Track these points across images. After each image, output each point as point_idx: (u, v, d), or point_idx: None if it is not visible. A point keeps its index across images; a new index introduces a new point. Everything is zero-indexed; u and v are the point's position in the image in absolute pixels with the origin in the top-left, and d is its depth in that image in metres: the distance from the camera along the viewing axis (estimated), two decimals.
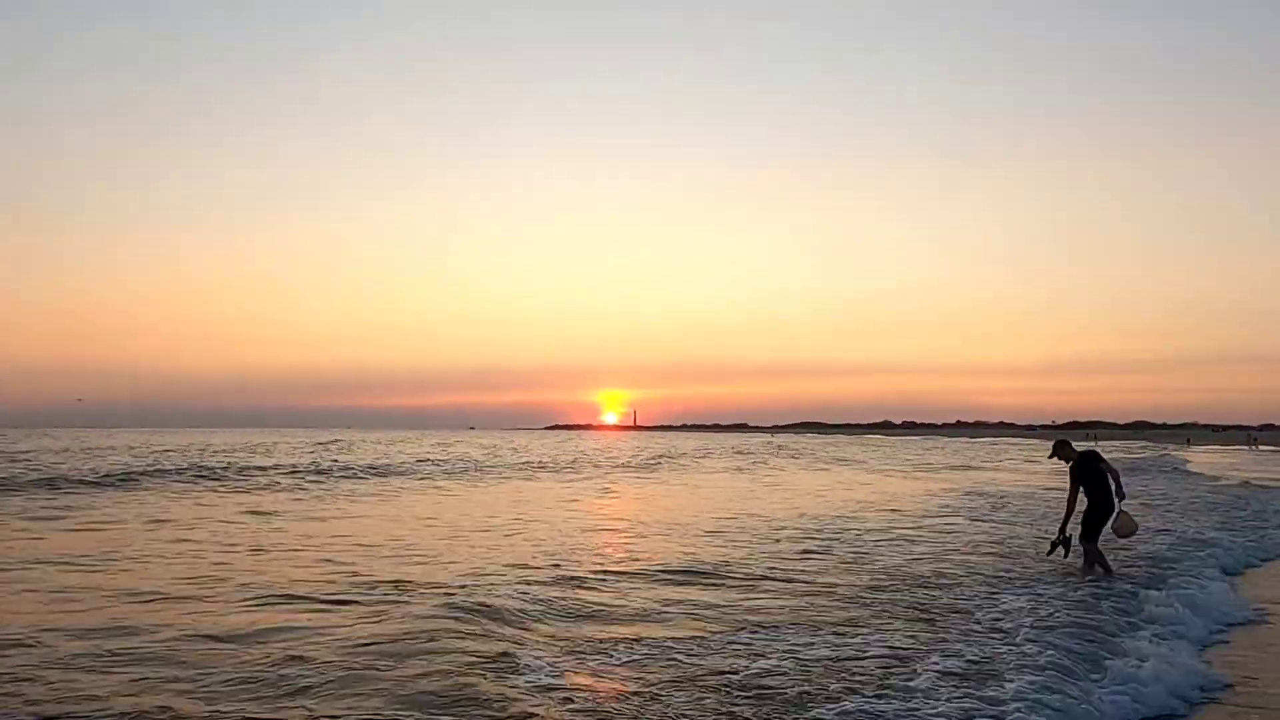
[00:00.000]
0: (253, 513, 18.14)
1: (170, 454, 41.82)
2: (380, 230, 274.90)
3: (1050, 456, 11.18)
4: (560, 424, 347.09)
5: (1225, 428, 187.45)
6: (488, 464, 35.94)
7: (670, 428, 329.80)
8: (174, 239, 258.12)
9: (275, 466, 32.65)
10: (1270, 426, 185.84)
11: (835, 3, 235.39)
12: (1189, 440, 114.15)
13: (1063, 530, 10.72)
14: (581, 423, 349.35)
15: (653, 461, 42.59)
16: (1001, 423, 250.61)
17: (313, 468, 32.34)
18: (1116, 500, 10.40)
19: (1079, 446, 11.15)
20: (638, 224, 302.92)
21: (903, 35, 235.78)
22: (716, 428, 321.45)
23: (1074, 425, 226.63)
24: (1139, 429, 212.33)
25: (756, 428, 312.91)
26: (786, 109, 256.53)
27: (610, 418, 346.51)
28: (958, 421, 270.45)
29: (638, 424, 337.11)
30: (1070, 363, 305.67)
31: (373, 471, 31.20)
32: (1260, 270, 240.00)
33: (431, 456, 42.35)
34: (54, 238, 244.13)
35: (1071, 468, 10.86)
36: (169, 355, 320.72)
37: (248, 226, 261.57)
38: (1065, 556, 10.55)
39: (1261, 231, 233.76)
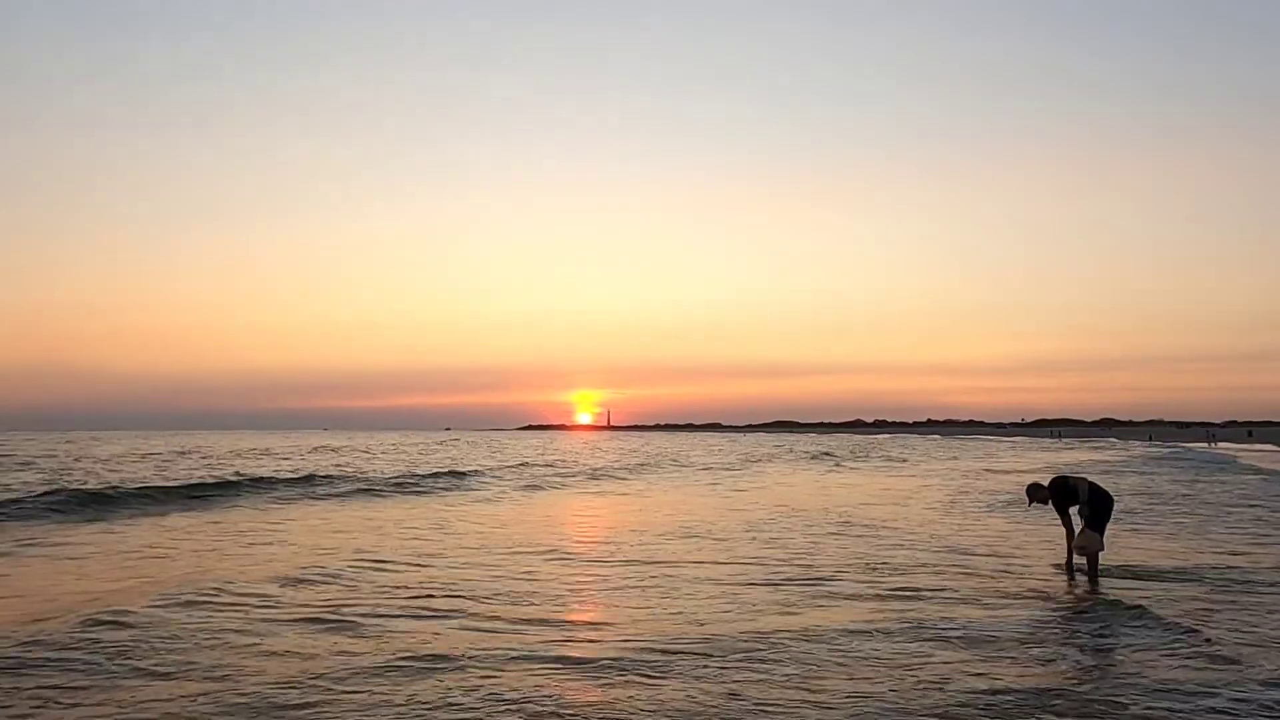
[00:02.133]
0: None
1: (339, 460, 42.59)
2: (356, 236, 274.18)
3: (1030, 505, 11.37)
4: (535, 424, 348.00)
5: (1189, 424, 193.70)
6: (600, 467, 35.88)
7: (644, 428, 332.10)
8: (160, 244, 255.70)
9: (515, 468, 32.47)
10: (1233, 423, 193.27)
11: (800, 26, 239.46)
12: (1150, 436, 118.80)
13: (1070, 561, 10.90)
14: (556, 423, 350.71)
15: (746, 462, 43.09)
16: (972, 421, 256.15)
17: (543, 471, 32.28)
18: (1080, 519, 10.55)
19: (1043, 479, 11.44)
20: (611, 230, 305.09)
21: (870, 53, 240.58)
22: (690, 427, 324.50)
23: (1041, 423, 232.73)
24: (1106, 426, 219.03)
25: (730, 427, 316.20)
26: (761, 122, 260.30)
27: (584, 418, 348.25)
28: (929, 420, 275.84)
29: (611, 424, 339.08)
30: (1037, 362, 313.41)
31: (560, 475, 30.78)
32: (1217, 275, 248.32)
33: (542, 460, 42.02)
34: (42, 241, 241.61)
35: (1052, 503, 10.96)
36: (145, 359, 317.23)
37: (228, 232, 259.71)
38: (1075, 580, 10.45)
39: (1218, 239, 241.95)
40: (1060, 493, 10.85)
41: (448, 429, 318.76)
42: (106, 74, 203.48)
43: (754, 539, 13.66)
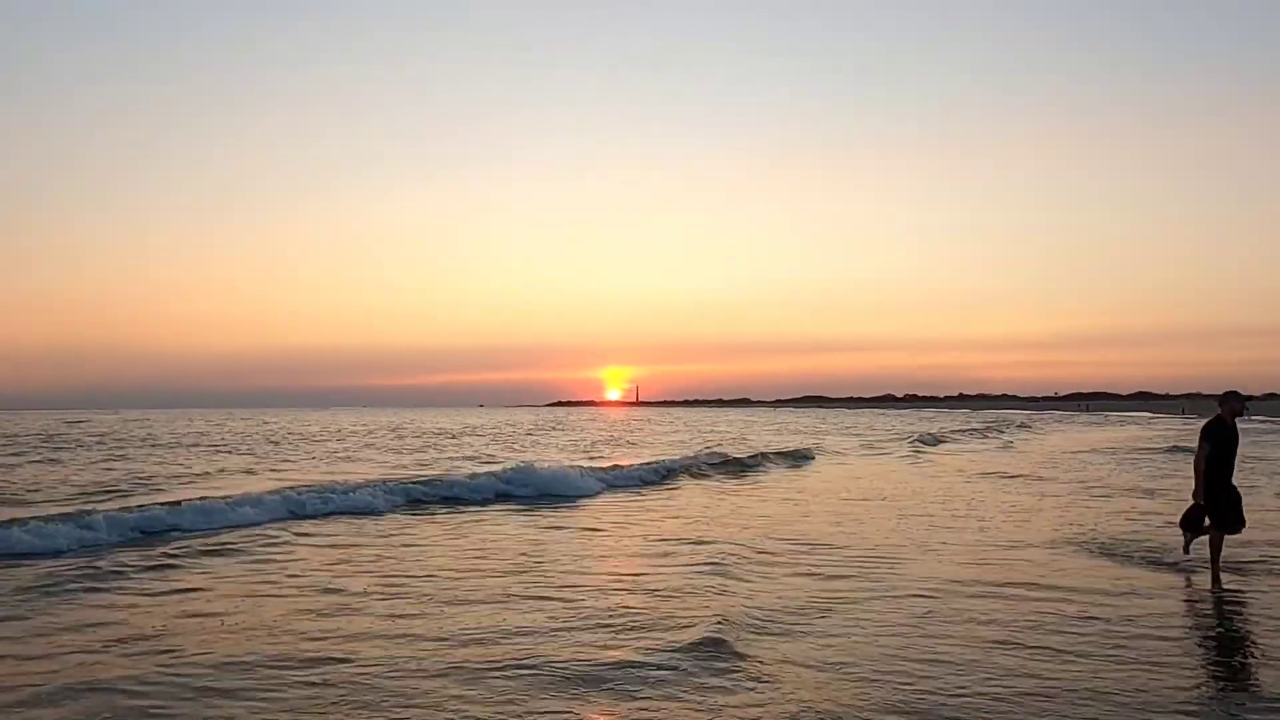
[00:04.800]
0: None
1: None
2: (389, 217, 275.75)
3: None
4: (564, 400, 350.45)
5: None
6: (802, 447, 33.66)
7: (673, 403, 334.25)
8: (194, 230, 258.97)
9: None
10: (1272, 395, 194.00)
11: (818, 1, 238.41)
12: (1183, 409, 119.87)
13: (1200, 501, 8.97)
14: (585, 399, 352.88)
15: (928, 436, 44.21)
16: (1004, 395, 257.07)
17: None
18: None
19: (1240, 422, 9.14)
20: (638, 207, 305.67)
21: (902, 24, 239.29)
22: (720, 403, 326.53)
23: (1076, 396, 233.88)
24: (1141, 399, 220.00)
25: (759, 402, 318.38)
26: (784, 97, 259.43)
27: (613, 394, 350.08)
28: (960, 395, 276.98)
29: (640, 400, 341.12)
30: (1071, 337, 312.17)
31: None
32: (1254, 247, 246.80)
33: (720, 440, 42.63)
34: (73, 230, 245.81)
35: (1208, 423, 8.86)
36: (187, 340, 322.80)
37: (263, 215, 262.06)
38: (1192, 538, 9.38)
39: (1256, 211, 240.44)
40: (1229, 432, 8.71)
41: (480, 405, 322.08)
42: (142, 65, 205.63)
43: None
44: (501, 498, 17.69)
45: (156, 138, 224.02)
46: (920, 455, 31.02)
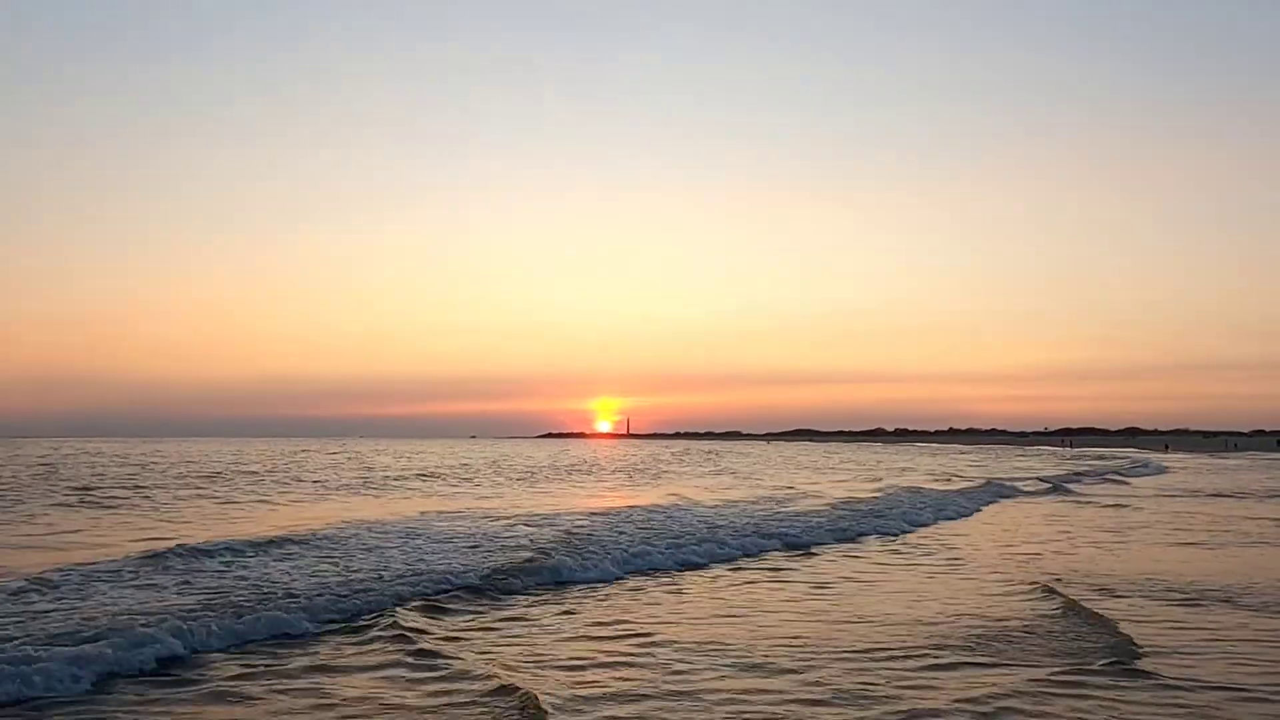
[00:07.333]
0: None
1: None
2: (376, 244, 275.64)
3: None
4: (554, 432, 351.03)
5: (1214, 434, 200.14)
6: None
7: (663, 435, 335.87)
8: (180, 252, 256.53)
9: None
10: (1260, 432, 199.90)
11: (812, 24, 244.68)
12: (1166, 446, 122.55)
13: None
14: (575, 431, 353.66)
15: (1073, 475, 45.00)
16: (994, 429, 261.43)
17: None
18: None
19: None
20: (628, 236, 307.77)
21: (891, 56, 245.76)
22: (710, 435, 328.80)
23: (1066, 431, 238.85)
24: (1130, 435, 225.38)
25: (750, 435, 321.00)
26: (784, 128, 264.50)
27: (604, 426, 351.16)
28: (950, 429, 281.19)
29: (630, 432, 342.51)
30: (1062, 370, 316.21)
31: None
32: (1245, 281, 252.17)
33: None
34: (61, 250, 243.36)
35: None
36: (170, 366, 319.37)
37: (248, 240, 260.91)
38: None
39: (1246, 240, 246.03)
40: None
41: (473, 436, 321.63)
42: (122, 82, 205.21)
43: None
44: None
45: (139, 155, 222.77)
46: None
